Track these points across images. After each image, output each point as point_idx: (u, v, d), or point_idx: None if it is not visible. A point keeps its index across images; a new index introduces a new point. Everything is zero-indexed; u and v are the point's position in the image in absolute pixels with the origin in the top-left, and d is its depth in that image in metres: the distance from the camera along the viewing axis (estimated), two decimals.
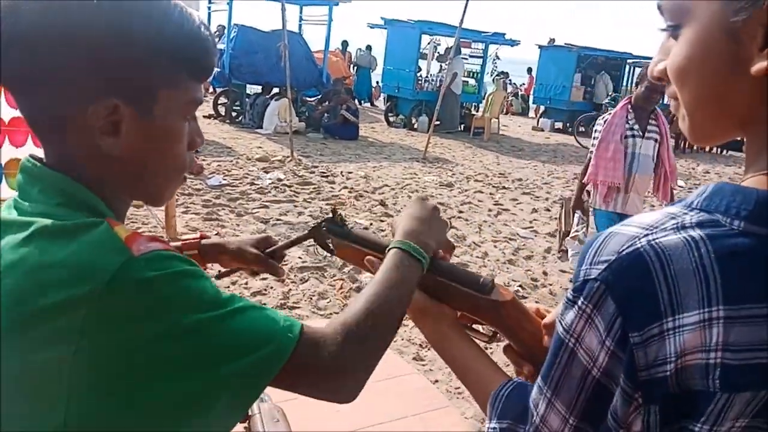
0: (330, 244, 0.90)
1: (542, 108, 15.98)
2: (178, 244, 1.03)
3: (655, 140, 3.59)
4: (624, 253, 0.50)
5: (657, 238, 0.50)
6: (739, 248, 0.48)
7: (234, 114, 10.93)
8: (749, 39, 0.49)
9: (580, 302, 0.52)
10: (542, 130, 15.01)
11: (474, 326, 0.83)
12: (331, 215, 0.92)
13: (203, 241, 1.05)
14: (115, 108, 0.61)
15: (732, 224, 0.49)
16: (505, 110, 16.15)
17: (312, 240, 0.95)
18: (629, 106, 3.59)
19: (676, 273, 0.48)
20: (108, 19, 0.59)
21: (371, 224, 5.53)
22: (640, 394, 0.50)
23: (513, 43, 13.93)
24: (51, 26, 0.58)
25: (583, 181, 3.80)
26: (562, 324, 0.55)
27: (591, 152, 3.70)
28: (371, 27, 14.15)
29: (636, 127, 3.56)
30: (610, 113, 3.69)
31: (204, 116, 11.05)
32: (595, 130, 3.70)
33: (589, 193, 3.83)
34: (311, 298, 3.80)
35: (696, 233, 0.49)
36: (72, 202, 0.62)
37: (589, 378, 0.53)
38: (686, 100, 0.56)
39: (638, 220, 0.52)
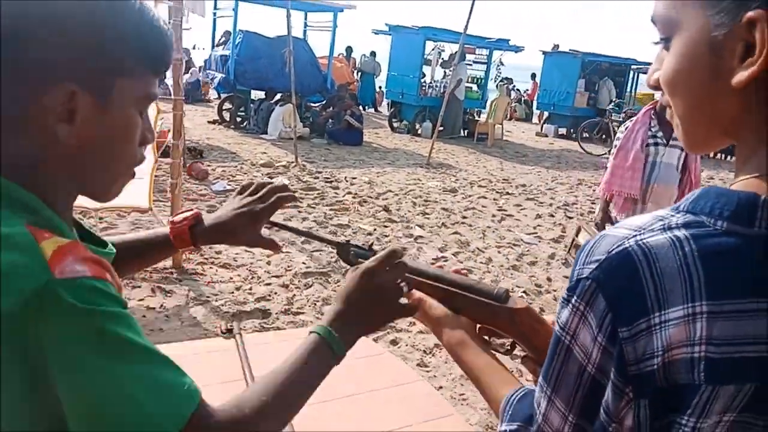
0: (352, 260, 0.92)
1: (546, 114, 15.98)
2: (166, 230, 0.96)
3: (682, 148, 3.24)
4: (613, 252, 0.53)
5: (644, 238, 0.52)
6: (722, 246, 0.50)
7: (238, 119, 10.97)
8: (730, 53, 0.52)
9: (573, 300, 0.55)
10: (546, 136, 15.00)
11: (492, 340, 0.85)
12: (366, 246, 0.93)
13: (197, 227, 0.96)
14: (72, 94, 0.60)
15: (715, 224, 0.51)
16: (508, 116, 16.15)
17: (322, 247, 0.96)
18: (653, 113, 3.32)
19: (662, 270, 0.50)
20: (70, 4, 0.60)
21: (375, 230, 5.53)
22: (631, 389, 0.52)
23: (517, 49, 13.95)
24: (11, 13, 0.58)
25: (606, 199, 3.49)
26: (558, 323, 0.58)
27: (607, 159, 3.42)
28: (376, 33, 14.20)
29: (660, 134, 3.28)
30: (632, 121, 3.43)
31: (208, 121, 11.10)
32: (617, 138, 3.43)
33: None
34: (315, 304, 3.81)
35: (681, 233, 0.51)
36: (7, 203, 0.59)
37: (585, 374, 0.55)
38: (677, 109, 0.59)
39: (629, 222, 0.55)
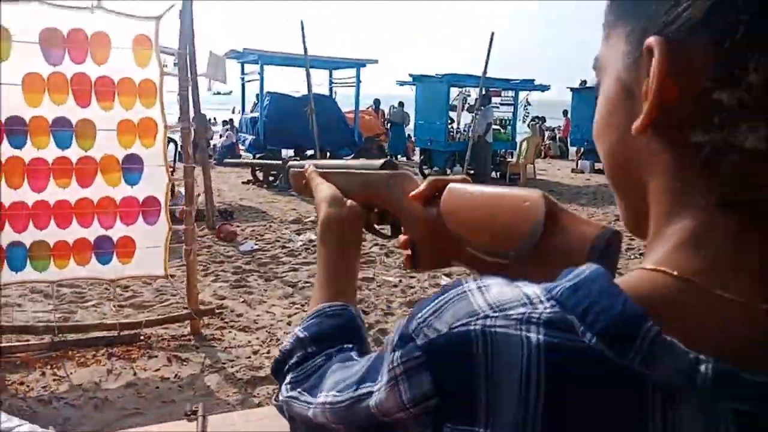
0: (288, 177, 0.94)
1: (581, 150, 15.72)
2: None
3: None
4: (455, 331, 0.41)
5: (495, 326, 0.39)
6: (578, 373, 0.37)
7: (270, 178, 11.18)
8: (639, 92, 0.41)
9: (395, 356, 0.44)
10: (582, 172, 14.71)
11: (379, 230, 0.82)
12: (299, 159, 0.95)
13: None
14: None
15: (584, 336, 0.37)
16: (543, 154, 15.95)
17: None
18: None
19: (499, 376, 0.38)
20: None
21: (400, 281, 5.41)
22: None
23: (543, 88, 13.90)
24: None
25: None
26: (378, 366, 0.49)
27: None
28: (400, 84, 14.41)
29: None
30: None
31: (243, 182, 11.34)
32: None
33: None
34: None
35: (536, 336, 0.38)
36: None
37: (373, 420, 0.47)
38: (605, 170, 0.48)
39: (495, 292, 0.42)
